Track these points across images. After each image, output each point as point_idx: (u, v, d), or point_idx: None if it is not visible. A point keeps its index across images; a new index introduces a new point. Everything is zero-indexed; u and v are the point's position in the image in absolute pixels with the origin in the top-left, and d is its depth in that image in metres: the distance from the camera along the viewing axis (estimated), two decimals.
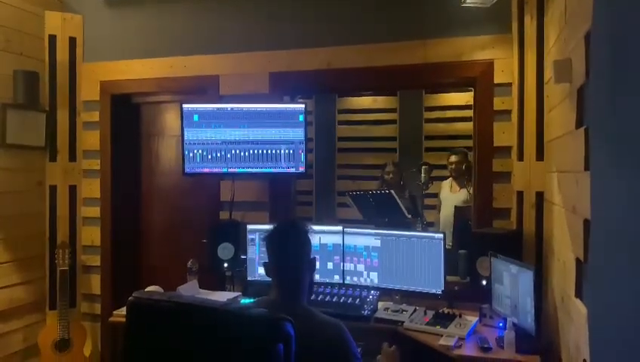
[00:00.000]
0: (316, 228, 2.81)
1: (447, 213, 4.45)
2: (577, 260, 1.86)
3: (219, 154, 3.27)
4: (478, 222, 3.07)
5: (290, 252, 1.92)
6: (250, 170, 3.27)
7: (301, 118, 3.26)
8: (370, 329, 2.63)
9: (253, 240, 3.12)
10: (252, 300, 2.81)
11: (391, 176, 4.86)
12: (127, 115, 3.87)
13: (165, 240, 3.85)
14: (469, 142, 5.24)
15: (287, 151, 3.26)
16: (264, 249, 1.96)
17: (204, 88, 3.54)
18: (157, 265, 3.85)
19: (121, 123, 3.81)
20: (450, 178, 4.58)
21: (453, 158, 4.48)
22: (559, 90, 2.25)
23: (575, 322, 1.86)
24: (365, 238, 2.99)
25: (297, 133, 3.25)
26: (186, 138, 3.26)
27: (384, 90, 5.53)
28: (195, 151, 3.27)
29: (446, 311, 2.65)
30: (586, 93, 1.74)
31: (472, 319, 2.52)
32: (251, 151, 3.27)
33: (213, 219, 3.48)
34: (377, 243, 2.95)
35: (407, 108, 6.02)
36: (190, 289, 3.07)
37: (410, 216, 4.21)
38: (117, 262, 3.78)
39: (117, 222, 3.78)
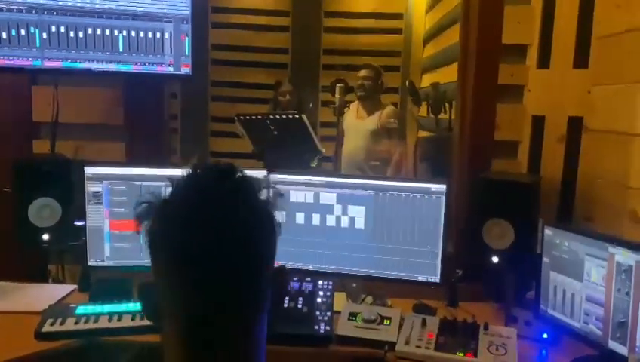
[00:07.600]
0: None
1: (351, 147, 3.52)
2: None
3: (26, 33, 1.75)
4: (472, 161, 2.01)
5: (226, 249, 0.65)
6: (88, 65, 1.83)
7: None
8: (330, 356, 1.46)
9: (98, 194, 1.69)
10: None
11: (288, 97, 3.91)
12: None
13: None
14: (378, 62, 4.26)
15: (159, 34, 1.86)
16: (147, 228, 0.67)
17: None
18: None
19: None
20: (357, 101, 3.65)
21: (362, 72, 3.55)
22: None
23: None
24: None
25: (178, 5, 1.85)
26: None
27: None
28: None
29: (459, 319, 1.53)
30: None
31: (505, 331, 1.46)
32: (90, 31, 1.80)
33: (20, 153, 2.02)
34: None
35: (303, 10, 4.82)
36: None
37: (323, 151, 3.23)
38: None
39: None
